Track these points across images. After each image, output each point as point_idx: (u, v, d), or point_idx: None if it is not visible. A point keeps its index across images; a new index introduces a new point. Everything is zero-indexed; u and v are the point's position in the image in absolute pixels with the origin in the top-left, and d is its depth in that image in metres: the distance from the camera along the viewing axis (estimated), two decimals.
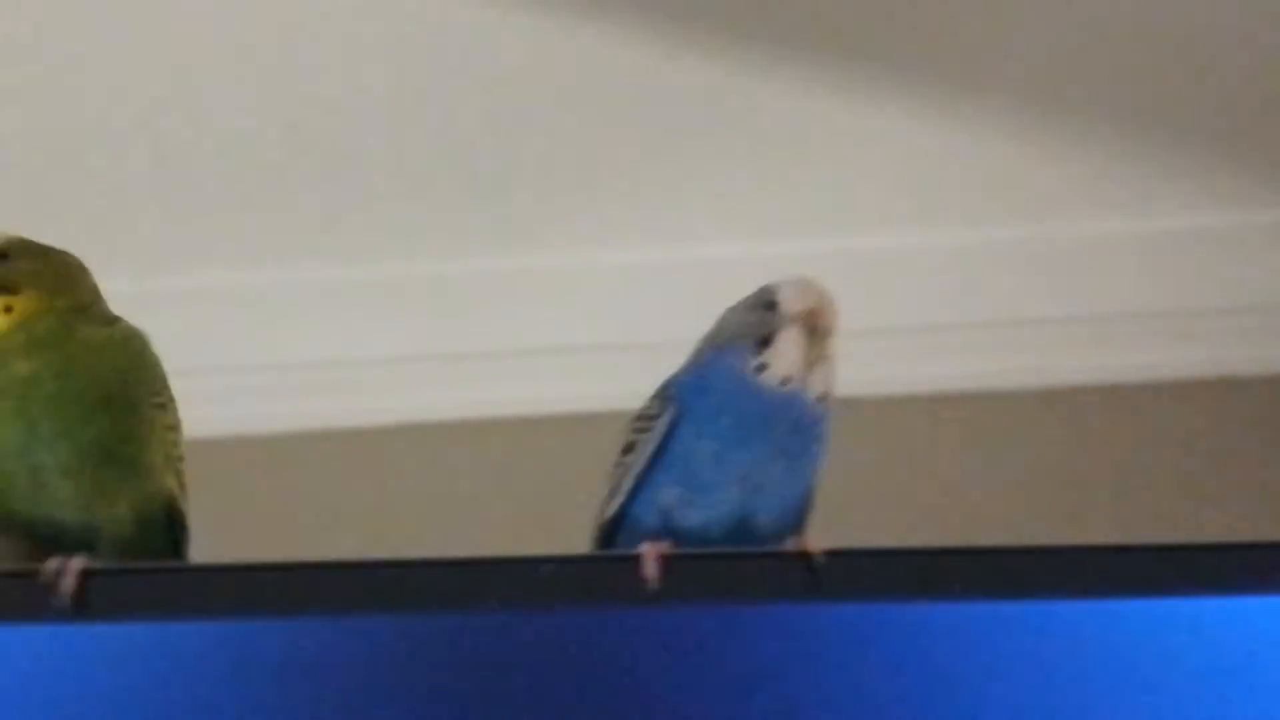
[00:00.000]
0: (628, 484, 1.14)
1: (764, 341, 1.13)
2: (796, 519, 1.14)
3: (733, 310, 1.16)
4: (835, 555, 1.07)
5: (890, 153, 1.57)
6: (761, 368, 1.12)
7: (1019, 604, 1.05)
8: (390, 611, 1.04)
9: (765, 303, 1.14)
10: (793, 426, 1.12)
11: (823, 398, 1.14)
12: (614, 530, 1.15)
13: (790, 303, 1.13)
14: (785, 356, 1.12)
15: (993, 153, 1.56)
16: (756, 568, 1.07)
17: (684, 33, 1.45)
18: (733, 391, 1.13)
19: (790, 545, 1.09)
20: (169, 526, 1.10)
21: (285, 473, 1.63)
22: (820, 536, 1.09)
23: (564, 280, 1.65)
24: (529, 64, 1.47)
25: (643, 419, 1.15)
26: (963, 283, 1.65)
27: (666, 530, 1.11)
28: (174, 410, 1.11)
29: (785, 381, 1.12)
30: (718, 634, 1.05)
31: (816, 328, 1.13)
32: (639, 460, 1.13)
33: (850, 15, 1.47)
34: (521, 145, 1.53)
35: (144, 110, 1.49)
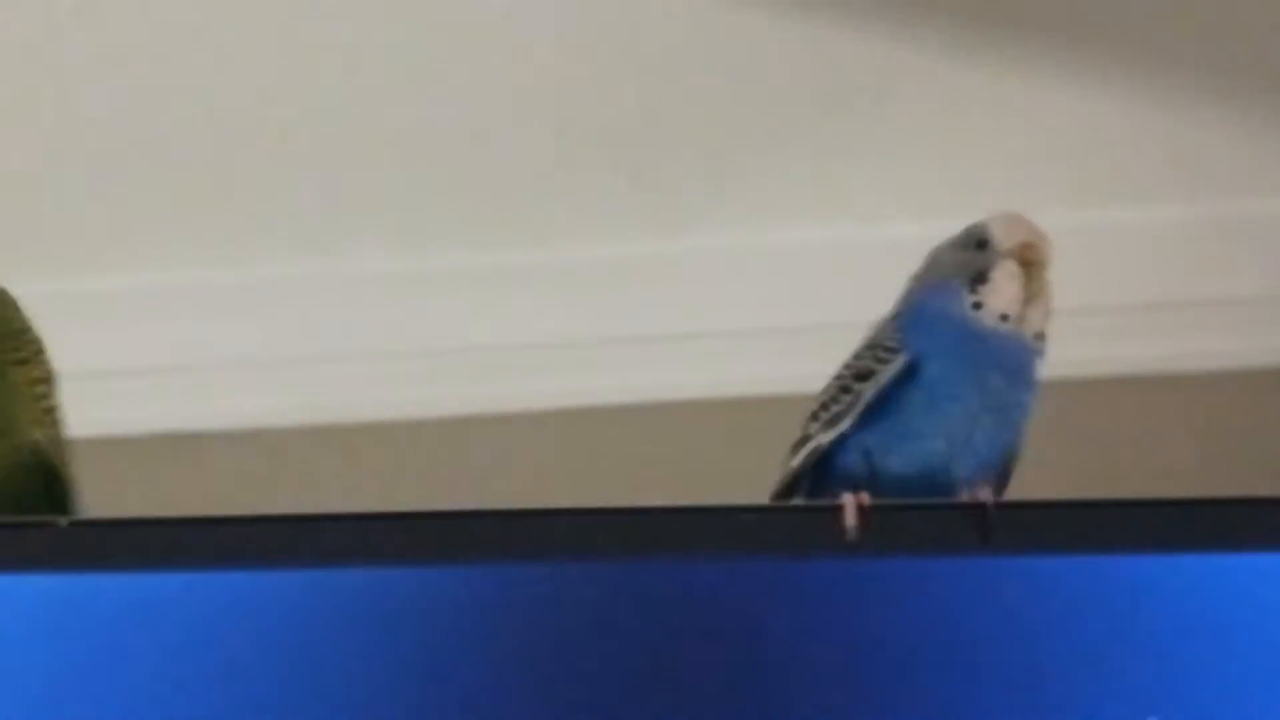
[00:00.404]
0: (856, 409, 1.09)
1: (978, 278, 1.09)
2: (1000, 472, 1.10)
3: (940, 250, 1.13)
4: (1002, 507, 1.04)
5: (1069, 129, 1.51)
6: (978, 305, 1.09)
7: (1196, 556, 1.01)
8: (587, 559, 1.04)
9: (976, 240, 1.10)
10: (1011, 370, 1.09)
11: (1041, 335, 1.10)
12: (820, 464, 1.11)
13: (1003, 237, 1.09)
14: (1002, 292, 1.08)
15: (1174, 129, 1.50)
16: (934, 519, 1.05)
17: (855, 8, 1.41)
18: (951, 332, 1.09)
19: (967, 496, 1.06)
20: (44, 480, 1.11)
21: (450, 456, 1.63)
22: None
23: (732, 262, 1.61)
24: (694, 43, 1.45)
25: (877, 348, 1.11)
26: (1144, 262, 1.58)
27: (869, 473, 1.08)
28: (41, 363, 1.11)
29: (1004, 318, 1.08)
30: (903, 587, 1.02)
31: (1032, 261, 1.09)
32: (872, 389, 1.09)
33: None
34: (686, 125, 1.51)
35: (313, 104, 1.50)
